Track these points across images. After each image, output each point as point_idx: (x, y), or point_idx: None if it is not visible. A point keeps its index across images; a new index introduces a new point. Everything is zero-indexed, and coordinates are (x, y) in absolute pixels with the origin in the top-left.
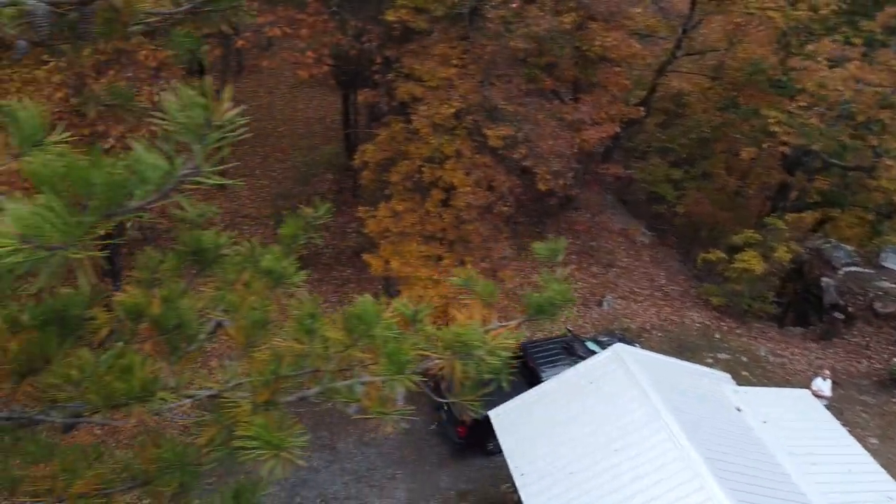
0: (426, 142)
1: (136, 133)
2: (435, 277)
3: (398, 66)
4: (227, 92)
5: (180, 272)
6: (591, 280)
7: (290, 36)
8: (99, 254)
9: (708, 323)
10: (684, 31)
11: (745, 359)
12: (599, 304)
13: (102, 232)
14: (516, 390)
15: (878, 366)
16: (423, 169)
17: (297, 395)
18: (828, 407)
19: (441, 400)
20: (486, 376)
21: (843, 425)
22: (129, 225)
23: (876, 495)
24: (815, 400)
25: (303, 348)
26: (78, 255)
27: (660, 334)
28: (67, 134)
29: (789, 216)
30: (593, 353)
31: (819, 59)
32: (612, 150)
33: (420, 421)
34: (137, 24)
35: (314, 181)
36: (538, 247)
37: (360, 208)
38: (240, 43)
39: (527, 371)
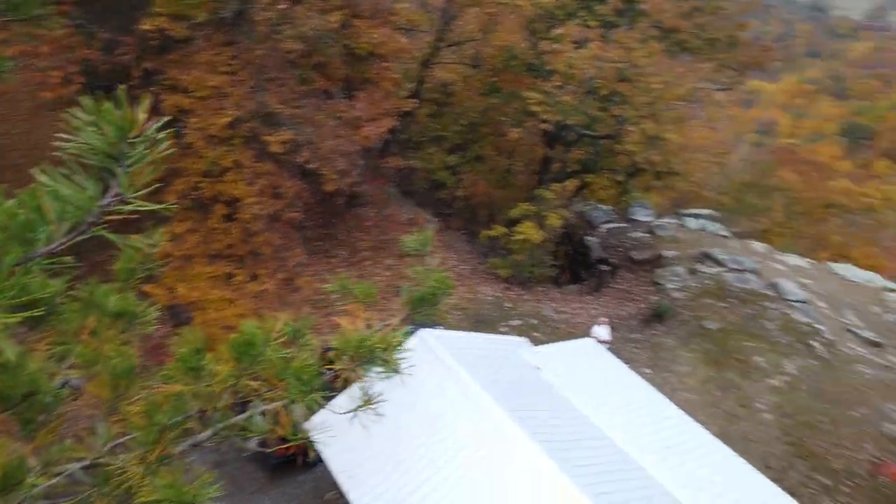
0: (201, 155)
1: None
2: (229, 297)
3: (161, 78)
4: None
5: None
6: (387, 273)
7: (29, 54)
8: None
9: (499, 295)
10: (444, 24)
11: (534, 321)
12: (398, 293)
13: None
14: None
15: (642, 305)
16: (200, 185)
17: (189, 441)
18: (609, 349)
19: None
20: (388, 376)
21: (624, 362)
22: None
23: (655, 416)
24: (599, 345)
25: (188, 389)
26: None
27: (458, 313)
28: None
29: (555, 186)
30: None
31: (565, 41)
32: (390, 143)
33: (230, 449)
34: None
35: None
36: (407, 240)
37: (133, 237)
38: None
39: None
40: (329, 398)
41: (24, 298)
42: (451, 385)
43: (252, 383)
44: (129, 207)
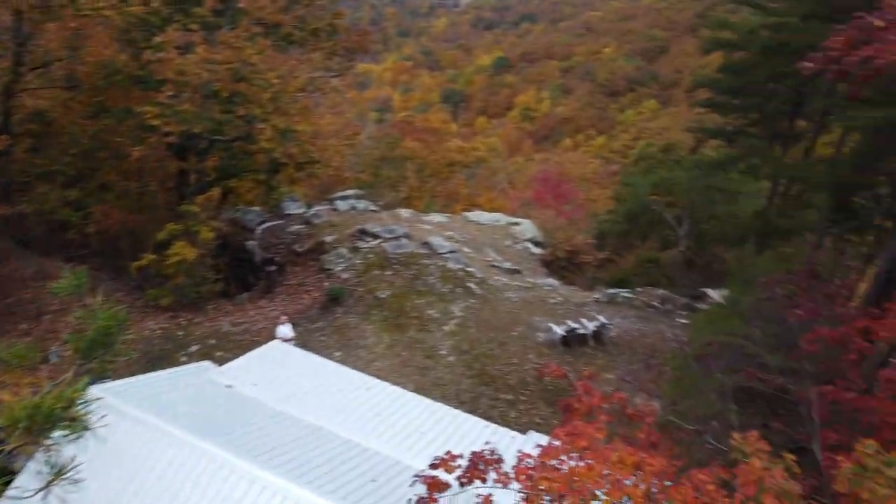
0: None
1: None
2: None
3: None
4: None
5: None
6: (27, 338)
7: None
8: None
9: (166, 325)
10: (19, 45)
11: (213, 341)
12: (46, 360)
13: None
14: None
15: (317, 294)
16: None
17: None
18: (295, 345)
19: None
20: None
21: (313, 352)
22: None
23: (357, 392)
24: (284, 345)
25: None
26: None
27: (125, 358)
28: None
29: (198, 199)
30: None
31: (169, 48)
32: None
33: None
34: None
35: None
36: (58, 285)
37: None
38: None
39: None
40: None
41: None
42: (146, 437)
43: None
44: None
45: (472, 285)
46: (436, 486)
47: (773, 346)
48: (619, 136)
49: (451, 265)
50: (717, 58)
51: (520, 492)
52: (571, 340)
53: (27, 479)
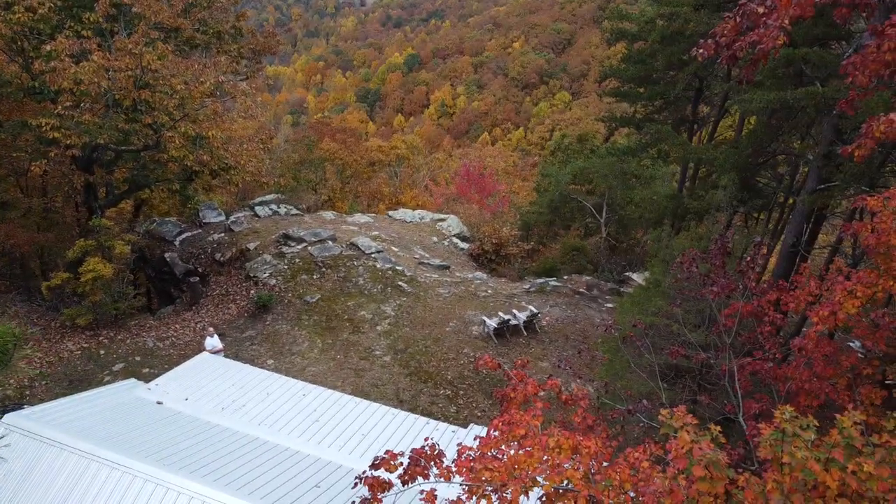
0: None
1: None
2: None
3: None
4: None
5: None
6: None
7: None
8: None
9: (87, 345)
10: None
11: (138, 358)
12: None
13: None
14: None
15: (244, 303)
16: None
17: None
18: (227, 356)
19: None
20: None
21: (245, 362)
22: None
23: (293, 399)
24: (214, 357)
25: None
26: None
27: (44, 382)
28: None
29: (109, 212)
30: None
31: (63, 57)
32: None
33: None
34: None
35: None
36: None
37: None
38: None
39: None
40: None
41: None
42: (71, 466)
43: None
44: None
45: (402, 284)
46: (378, 486)
47: (695, 324)
48: (534, 128)
49: (379, 265)
50: (622, 48)
51: (462, 485)
52: (505, 332)
53: None
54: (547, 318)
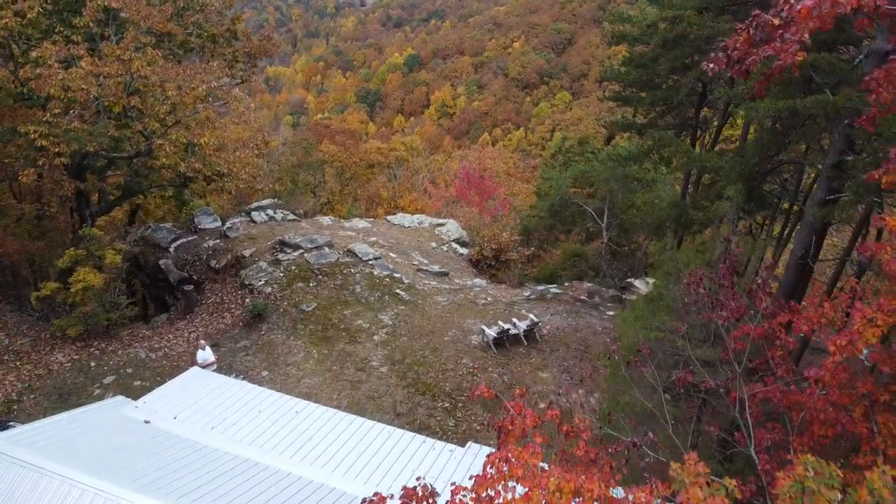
0: None
1: None
2: None
3: None
4: None
5: None
6: None
7: None
8: None
9: (77, 357)
10: None
11: (130, 370)
12: None
13: None
14: None
15: (239, 311)
16: None
17: None
18: (217, 369)
19: None
20: None
21: (240, 373)
22: None
23: (285, 417)
24: (204, 372)
25: None
26: None
27: (32, 396)
28: None
29: (103, 219)
30: None
31: (51, 63)
32: None
33: None
34: None
35: None
36: None
37: None
38: None
39: None
40: None
41: None
42: (54, 491)
43: None
44: None
45: (400, 291)
46: None
47: (701, 338)
48: (535, 128)
49: (377, 272)
50: (622, 49)
51: None
52: (504, 341)
53: None
54: (547, 327)
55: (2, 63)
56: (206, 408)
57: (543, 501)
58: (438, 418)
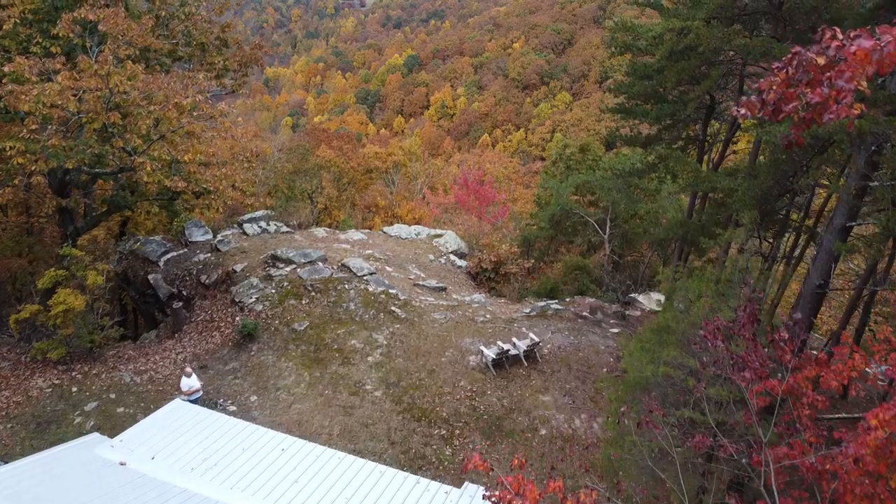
0: None
1: None
2: None
3: None
4: None
5: None
6: None
7: None
8: None
9: (58, 382)
10: None
11: (113, 395)
12: None
13: None
14: None
15: (229, 330)
16: None
17: None
18: (209, 390)
19: None
20: None
21: (228, 398)
22: None
23: (271, 456)
24: (185, 405)
25: None
26: None
27: (9, 424)
28: None
29: (84, 238)
30: None
31: (28, 77)
32: None
33: None
34: None
35: None
36: None
37: None
38: None
39: None
40: None
41: None
42: None
43: None
44: None
45: (395, 309)
46: None
47: (714, 376)
48: (535, 129)
49: (372, 288)
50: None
51: None
52: (503, 362)
53: None
54: (548, 346)
55: None
56: (186, 446)
57: None
58: (434, 447)
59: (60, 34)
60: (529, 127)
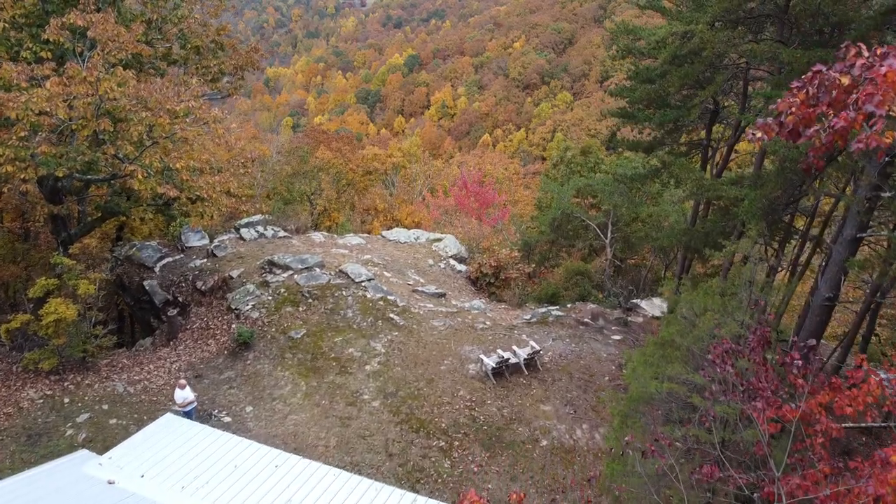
0: None
1: None
2: None
3: None
4: None
5: None
6: None
7: None
8: None
9: (50, 392)
10: None
11: (105, 406)
12: None
13: None
14: None
15: (224, 338)
16: None
17: None
18: (203, 402)
19: None
20: None
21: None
22: None
23: (265, 473)
24: (176, 420)
25: None
26: None
27: (3, 439)
28: None
29: (74, 247)
30: None
31: (18, 82)
32: None
33: None
34: None
35: None
36: None
37: None
38: None
39: None
40: None
41: None
42: None
43: None
44: None
45: (394, 316)
46: None
47: (721, 392)
48: (536, 129)
49: (370, 294)
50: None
51: None
52: (504, 371)
53: None
54: (549, 354)
55: None
56: (177, 463)
57: None
58: (433, 459)
59: (50, 39)
60: (530, 127)
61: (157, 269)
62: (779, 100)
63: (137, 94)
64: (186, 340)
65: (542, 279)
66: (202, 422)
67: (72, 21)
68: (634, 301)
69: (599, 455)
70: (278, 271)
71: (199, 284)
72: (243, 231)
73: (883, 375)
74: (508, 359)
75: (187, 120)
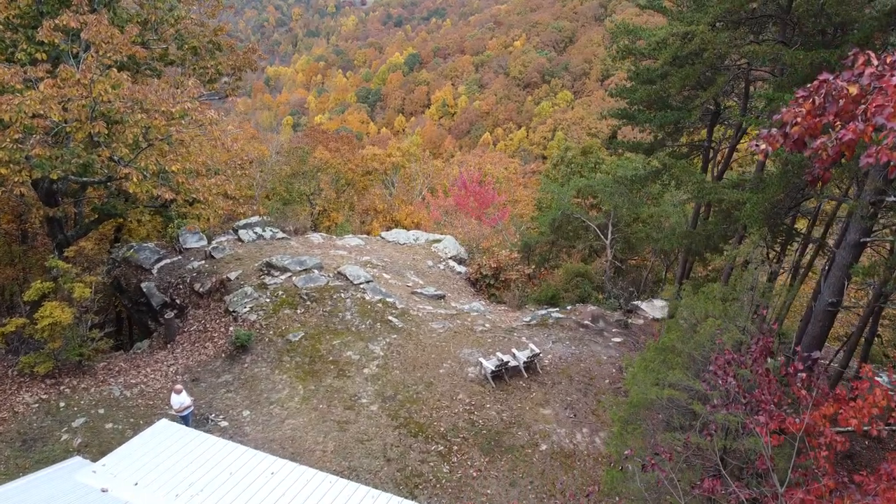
0: None
1: None
2: None
3: None
4: None
5: None
6: None
7: None
8: None
9: (45, 397)
10: None
11: (101, 411)
12: None
13: None
14: None
15: (222, 341)
16: None
17: None
18: (200, 406)
19: None
20: None
21: (220, 413)
22: None
23: (261, 481)
24: (172, 426)
25: None
26: None
27: None
28: None
29: (70, 250)
30: None
31: (14, 84)
32: None
33: None
34: None
35: None
36: None
37: None
38: None
39: None
40: None
41: None
42: None
43: None
44: None
45: (392, 318)
46: None
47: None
48: (536, 127)
49: (368, 296)
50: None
51: None
52: (503, 374)
53: None
54: (549, 356)
55: None
56: (171, 470)
57: None
58: (432, 464)
59: (46, 39)
60: (531, 125)
61: (154, 271)
62: (784, 108)
63: (132, 96)
64: (184, 343)
65: (541, 280)
66: (199, 426)
67: (65, 22)
68: (635, 303)
69: (599, 459)
70: (276, 273)
71: (196, 286)
72: (241, 232)
73: (884, 379)
74: (508, 362)
75: (184, 122)
